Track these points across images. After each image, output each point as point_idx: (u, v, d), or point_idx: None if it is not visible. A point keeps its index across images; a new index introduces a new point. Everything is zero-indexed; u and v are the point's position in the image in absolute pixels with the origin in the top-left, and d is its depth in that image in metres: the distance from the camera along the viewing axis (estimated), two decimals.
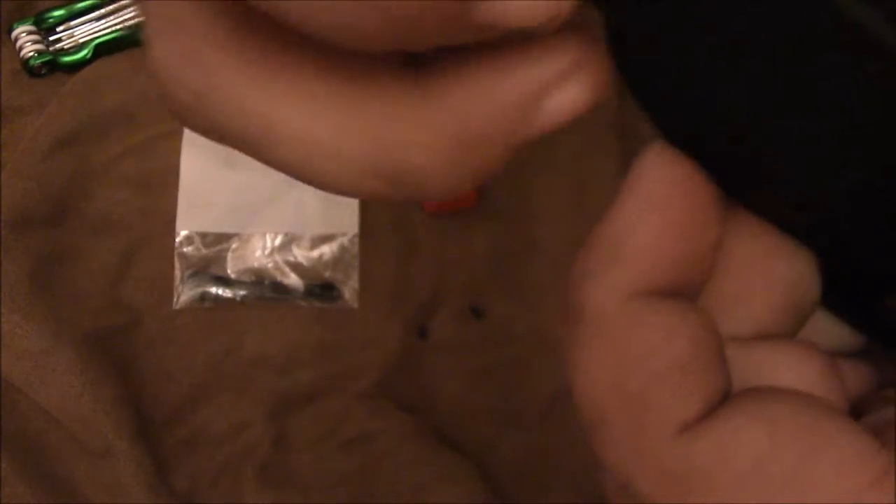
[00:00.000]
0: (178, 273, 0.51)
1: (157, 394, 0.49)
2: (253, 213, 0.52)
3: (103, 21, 0.56)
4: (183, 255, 0.51)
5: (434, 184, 0.16)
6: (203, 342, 0.50)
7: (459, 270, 0.52)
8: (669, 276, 0.16)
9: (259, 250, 0.52)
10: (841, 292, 0.17)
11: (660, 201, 0.16)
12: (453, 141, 0.15)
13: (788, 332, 0.17)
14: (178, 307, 0.50)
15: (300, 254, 0.52)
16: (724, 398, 0.16)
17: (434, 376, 0.50)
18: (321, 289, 0.51)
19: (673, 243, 0.16)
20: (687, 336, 0.16)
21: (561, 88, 0.15)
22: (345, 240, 0.52)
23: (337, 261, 0.52)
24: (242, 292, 0.51)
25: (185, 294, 0.51)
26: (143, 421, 0.47)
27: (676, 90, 0.15)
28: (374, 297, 0.51)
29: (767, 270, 0.17)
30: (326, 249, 0.52)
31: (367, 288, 0.51)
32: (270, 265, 0.52)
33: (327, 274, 0.52)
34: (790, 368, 0.17)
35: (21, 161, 0.51)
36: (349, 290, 0.51)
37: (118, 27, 0.55)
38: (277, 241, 0.52)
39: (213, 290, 0.51)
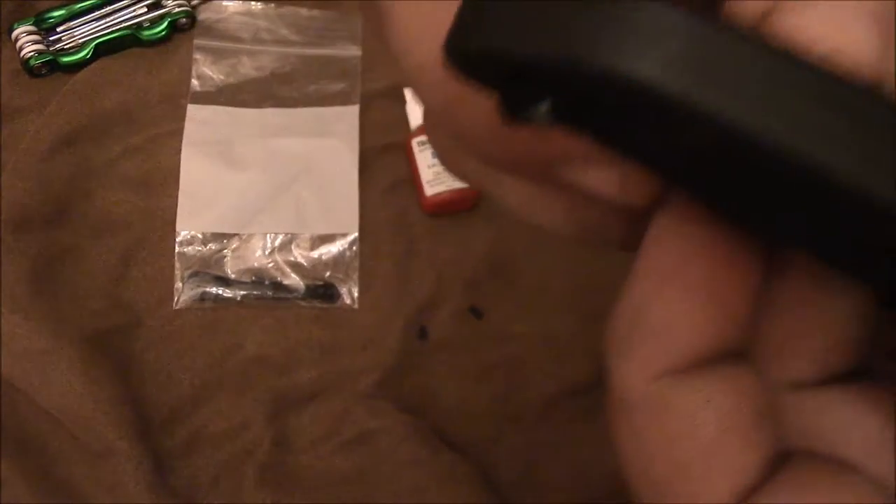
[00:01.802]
0: (178, 273, 0.51)
1: (157, 394, 0.49)
2: (253, 213, 0.52)
3: (103, 21, 0.56)
4: (183, 255, 0.51)
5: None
6: (203, 342, 0.50)
7: (459, 270, 0.52)
8: (699, 344, 0.15)
9: (259, 250, 0.52)
10: None
11: (675, 270, 0.15)
12: None
13: (853, 367, 0.16)
14: (178, 307, 0.50)
15: (300, 254, 0.52)
16: (780, 458, 0.15)
17: (434, 376, 0.50)
18: (321, 289, 0.51)
19: (696, 311, 0.15)
20: (714, 417, 0.15)
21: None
22: (345, 240, 0.52)
23: (337, 261, 0.52)
24: (242, 292, 0.51)
25: (185, 294, 0.51)
26: (143, 421, 0.47)
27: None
28: (374, 297, 0.51)
29: (822, 307, 0.16)
30: (326, 249, 0.52)
31: (367, 288, 0.51)
32: (270, 265, 0.52)
33: (327, 274, 0.52)
34: (848, 426, 0.16)
35: (21, 161, 0.51)
36: (349, 290, 0.51)
37: (118, 27, 0.55)
38: (277, 241, 0.52)
39: (213, 290, 0.51)
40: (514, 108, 0.14)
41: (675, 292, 0.15)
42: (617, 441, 0.16)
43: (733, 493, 0.15)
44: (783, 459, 0.15)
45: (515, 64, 0.13)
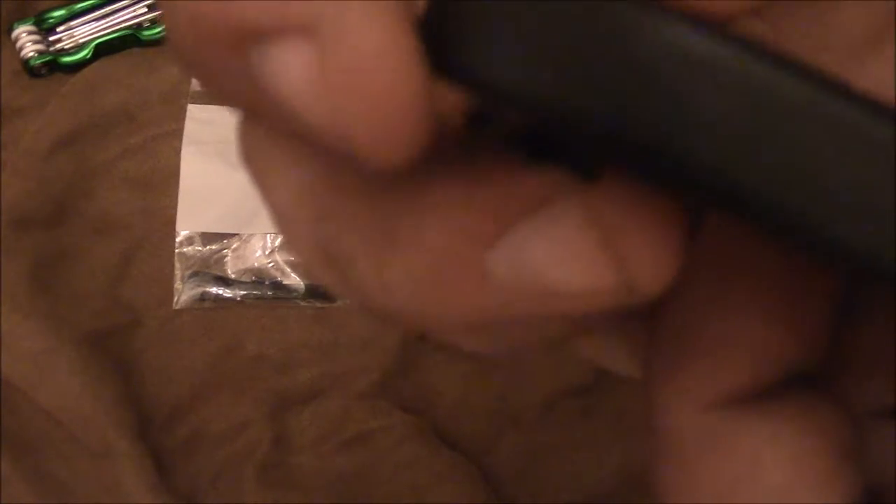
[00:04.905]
0: (178, 273, 0.51)
1: (157, 394, 0.49)
2: (253, 213, 0.52)
3: (103, 21, 0.56)
4: (183, 255, 0.51)
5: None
6: (203, 342, 0.50)
7: None
8: (762, 366, 0.12)
9: (259, 250, 0.52)
10: None
11: (733, 276, 0.12)
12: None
13: None
14: (178, 307, 0.50)
15: None
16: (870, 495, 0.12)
17: (434, 376, 0.50)
18: (321, 289, 0.51)
19: (760, 325, 0.12)
20: (783, 458, 0.12)
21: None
22: None
23: None
24: (242, 292, 0.51)
25: (185, 294, 0.51)
26: (143, 421, 0.47)
27: None
28: None
29: None
30: None
31: None
32: (270, 265, 0.52)
33: None
34: None
35: (21, 161, 0.51)
36: None
37: (118, 27, 0.55)
38: (277, 241, 0.52)
39: (213, 290, 0.51)
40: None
41: (734, 302, 0.12)
42: (661, 483, 0.13)
43: None
44: None
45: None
